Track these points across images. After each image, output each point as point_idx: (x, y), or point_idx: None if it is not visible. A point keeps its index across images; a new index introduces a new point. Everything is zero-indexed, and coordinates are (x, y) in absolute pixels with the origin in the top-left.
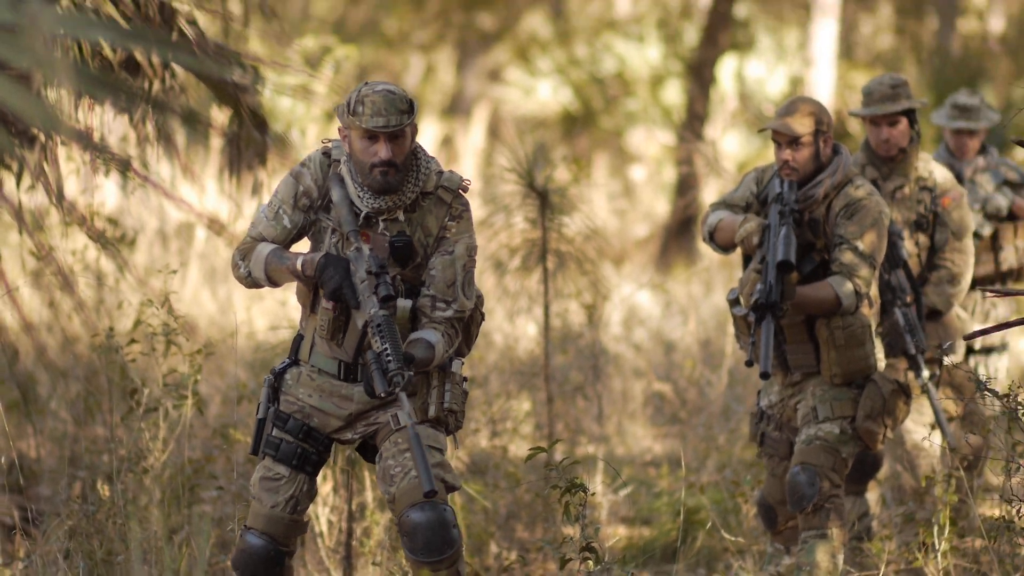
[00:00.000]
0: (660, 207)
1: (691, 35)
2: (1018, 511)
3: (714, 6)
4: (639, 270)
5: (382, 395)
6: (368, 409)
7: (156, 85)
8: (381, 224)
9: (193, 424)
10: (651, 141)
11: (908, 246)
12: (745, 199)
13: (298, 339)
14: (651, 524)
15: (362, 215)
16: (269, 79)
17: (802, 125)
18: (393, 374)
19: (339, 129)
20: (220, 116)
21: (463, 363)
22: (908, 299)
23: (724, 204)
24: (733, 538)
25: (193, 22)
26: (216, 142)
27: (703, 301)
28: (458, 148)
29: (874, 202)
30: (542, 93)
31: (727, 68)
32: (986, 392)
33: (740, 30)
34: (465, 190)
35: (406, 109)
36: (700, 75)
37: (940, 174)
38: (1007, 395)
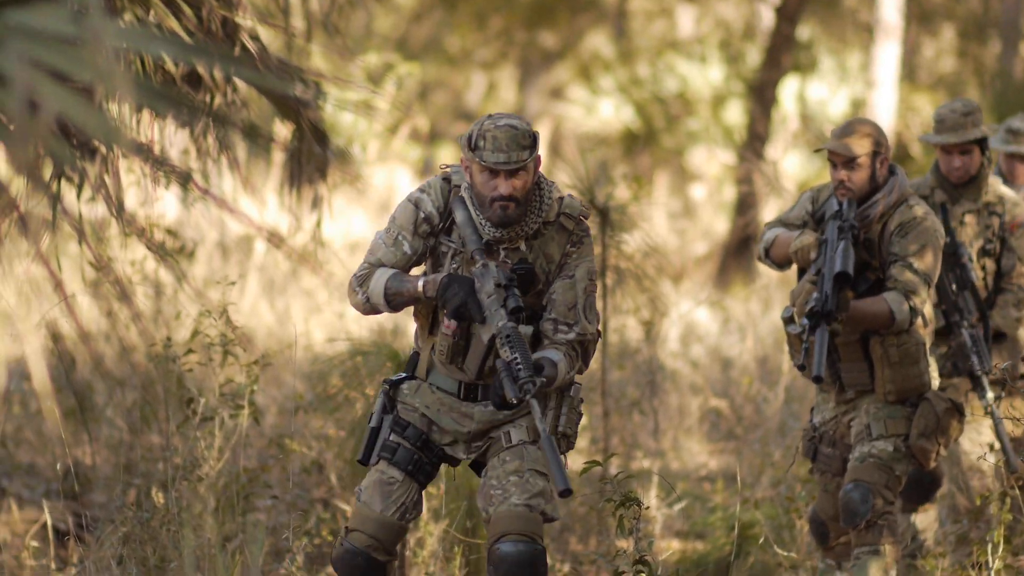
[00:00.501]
0: (720, 226)
1: (753, 56)
2: None
3: (777, 27)
4: (698, 287)
5: (514, 401)
6: (486, 429)
7: (218, 99)
8: (502, 253)
9: (249, 434)
10: (712, 160)
11: (975, 270)
12: (801, 218)
13: (414, 356)
14: (705, 539)
15: (483, 244)
16: (331, 94)
17: (860, 146)
18: (524, 381)
19: (461, 159)
20: (282, 131)
21: (581, 387)
22: (974, 320)
23: (780, 222)
24: (786, 553)
25: (256, 37)
26: (278, 156)
27: (761, 319)
28: None
29: (930, 221)
30: (604, 111)
31: (789, 89)
32: None
33: (803, 51)
34: (586, 217)
35: (528, 145)
36: (762, 96)
37: (1011, 200)
38: None
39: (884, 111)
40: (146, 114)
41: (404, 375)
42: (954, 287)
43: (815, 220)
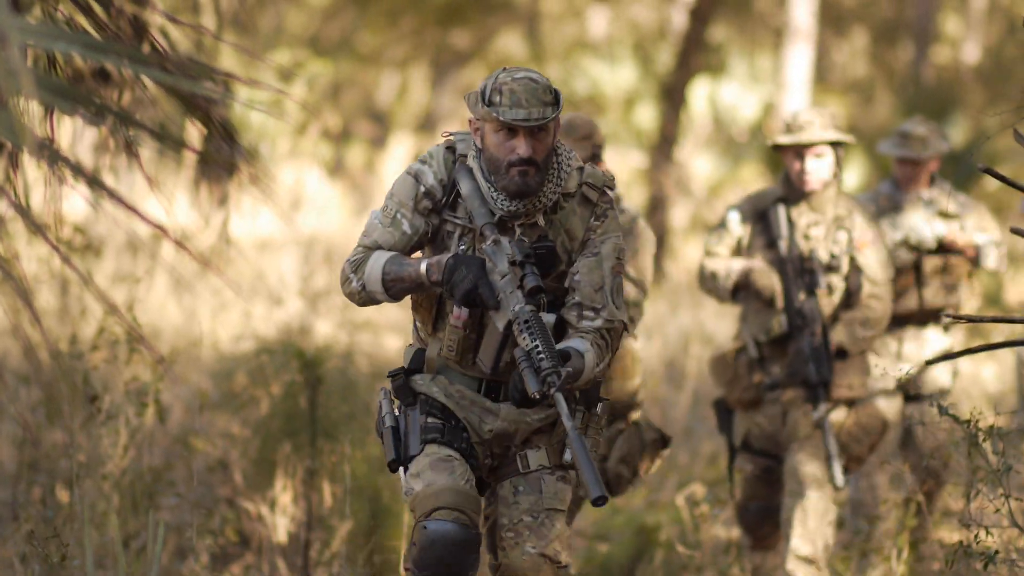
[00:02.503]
0: None
1: (664, 57)
2: (976, 536)
3: (688, 29)
4: None
5: (536, 396)
6: (512, 431)
7: (126, 97)
8: (518, 230)
9: (154, 432)
10: (622, 162)
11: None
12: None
13: (418, 354)
14: (610, 541)
15: (495, 219)
16: (240, 93)
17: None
18: (547, 372)
19: (470, 121)
20: (193, 130)
21: (608, 404)
22: (818, 329)
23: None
24: (691, 554)
25: (166, 35)
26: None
27: (669, 321)
28: None
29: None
30: None
31: (700, 91)
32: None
33: (714, 54)
34: (611, 188)
35: (551, 101)
36: (672, 97)
37: (860, 216)
38: (968, 420)
39: None
40: (52, 111)
41: (408, 371)
42: (802, 294)
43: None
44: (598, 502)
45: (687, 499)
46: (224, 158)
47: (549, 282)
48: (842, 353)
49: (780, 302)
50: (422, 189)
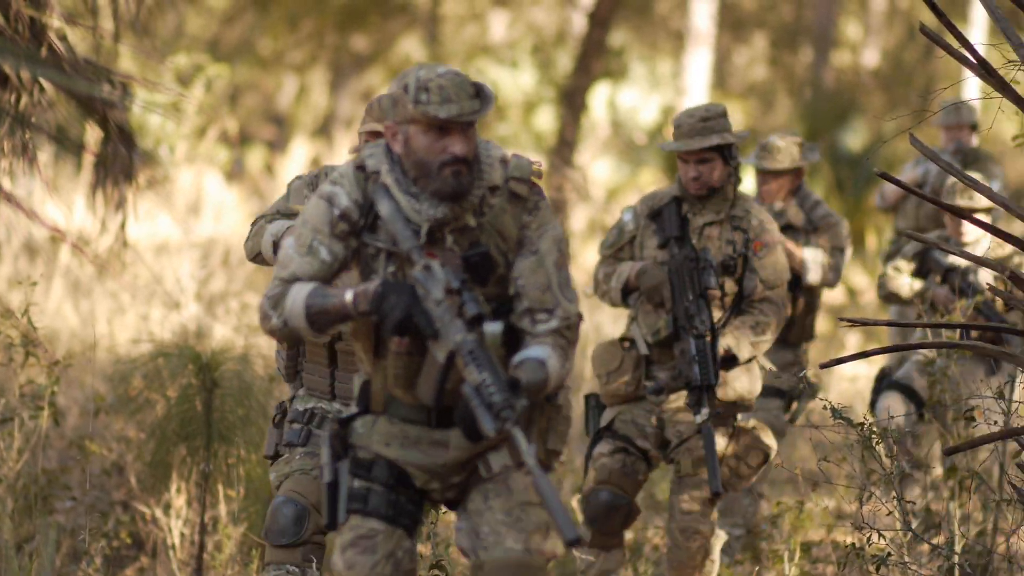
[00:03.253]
0: None
1: (565, 62)
2: (868, 539)
3: (588, 33)
4: None
5: (491, 435)
6: (466, 458)
7: (24, 100)
8: (449, 237)
9: (49, 435)
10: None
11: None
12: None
13: (364, 387)
14: None
15: (424, 230)
16: (139, 96)
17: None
18: (500, 407)
19: (386, 127)
20: (92, 133)
21: (569, 390)
22: (706, 331)
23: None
24: (583, 556)
25: (64, 37)
26: (87, 158)
27: None
28: None
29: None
30: None
31: (600, 95)
32: (841, 420)
33: (614, 58)
34: (539, 176)
35: (474, 93)
36: (572, 102)
37: (757, 216)
38: (862, 424)
39: None
40: None
41: (355, 411)
42: (690, 294)
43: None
44: (572, 544)
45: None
46: (122, 161)
47: (489, 288)
48: (732, 360)
49: (668, 303)
50: (336, 212)
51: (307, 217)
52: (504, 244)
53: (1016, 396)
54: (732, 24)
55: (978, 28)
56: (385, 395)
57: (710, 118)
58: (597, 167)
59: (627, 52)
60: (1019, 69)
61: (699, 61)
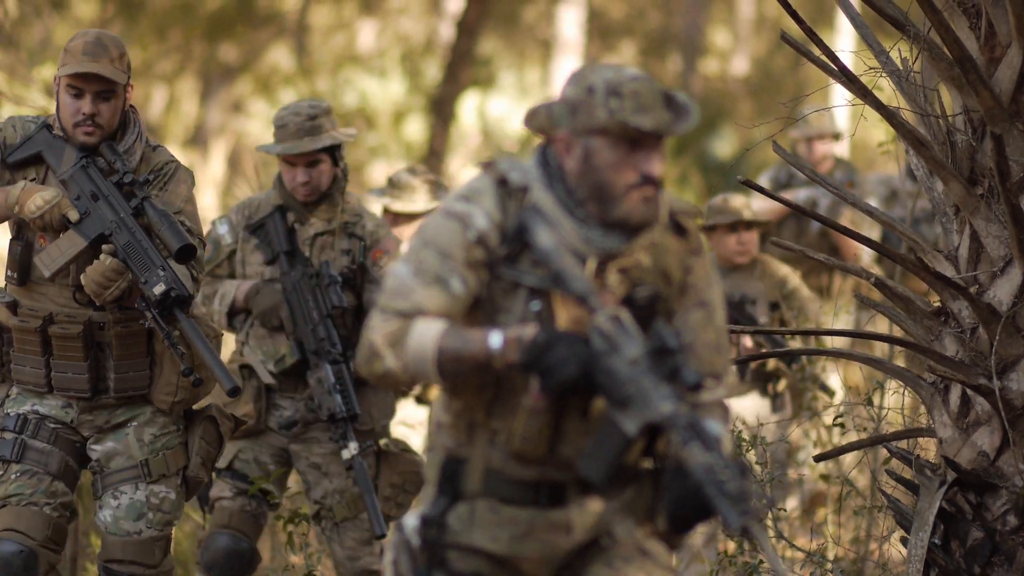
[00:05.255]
0: None
1: (433, 71)
2: (741, 546)
3: (456, 42)
4: None
5: (736, 531)
6: (592, 539)
7: None
8: (613, 276)
9: None
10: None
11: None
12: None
13: (452, 465)
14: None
15: (590, 265)
16: (5, 109)
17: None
18: (739, 497)
19: (551, 139)
20: None
21: None
22: (340, 357)
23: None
24: None
25: None
26: None
27: None
28: (197, 179)
29: None
30: None
31: (469, 104)
32: None
33: (483, 67)
34: (702, 215)
35: (666, 103)
36: (441, 111)
37: (372, 221)
38: (732, 430)
39: None
40: None
41: (444, 501)
42: (315, 315)
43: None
44: None
45: None
46: None
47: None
48: (363, 382)
49: (289, 326)
50: (472, 235)
51: (429, 238)
52: (667, 287)
53: (887, 403)
54: (600, 32)
55: (846, 35)
56: (485, 467)
57: (318, 115)
58: (466, 176)
59: (496, 61)
60: (881, 76)
61: (567, 69)
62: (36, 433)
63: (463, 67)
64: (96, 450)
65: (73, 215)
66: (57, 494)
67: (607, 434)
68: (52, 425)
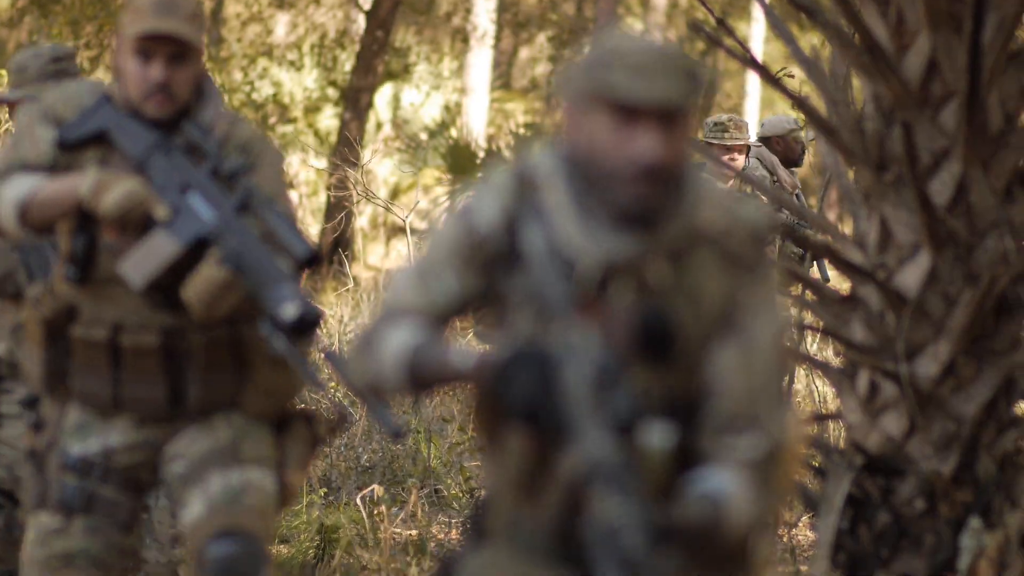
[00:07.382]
0: (312, 231)
1: (348, 62)
2: None
3: (369, 33)
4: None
5: None
6: None
7: None
8: (619, 286)
9: None
10: (305, 166)
11: None
12: None
13: (479, 506)
14: (289, 543)
15: (592, 272)
16: None
17: None
18: (634, 565)
19: (564, 119)
20: None
21: None
22: None
23: None
24: (370, 556)
25: None
26: None
27: (350, 322)
28: None
29: None
30: None
31: (383, 95)
32: None
33: (397, 57)
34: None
35: (684, 73)
36: (355, 102)
37: None
38: None
39: (477, 116)
40: None
41: (467, 546)
42: None
43: None
44: None
45: (364, 499)
46: None
47: (666, 374)
48: None
49: None
50: (479, 234)
51: (437, 234)
52: (698, 309)
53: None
54: (514, 23)
55: (762, 24)
56: (511, 507)
57: (63, 58)
58: (381, 166)
59: (410, 51)
60: (787, 73)
61: (481, 60)
62: (105, 478)
63: (377, 57)
64: (169, 451)
65: (161, 212)
66: (126, 552)
67: (552, 476)
68: (121, 462)
